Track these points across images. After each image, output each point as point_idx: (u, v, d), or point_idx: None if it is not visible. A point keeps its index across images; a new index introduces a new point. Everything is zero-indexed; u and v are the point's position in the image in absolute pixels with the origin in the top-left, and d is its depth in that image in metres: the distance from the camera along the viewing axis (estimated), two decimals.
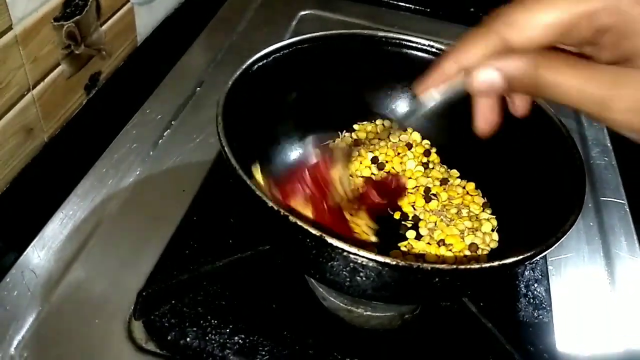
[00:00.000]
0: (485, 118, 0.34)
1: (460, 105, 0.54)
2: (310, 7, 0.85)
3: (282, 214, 0.35)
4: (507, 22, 0.30)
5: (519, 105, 0.34)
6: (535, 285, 0.51)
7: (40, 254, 0.48)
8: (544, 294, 0.50)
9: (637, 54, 0.28)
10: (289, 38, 0.50)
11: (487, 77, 0.30)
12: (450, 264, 0.34)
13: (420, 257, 0.47)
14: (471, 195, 0.51)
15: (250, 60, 0.47)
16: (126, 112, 0.62)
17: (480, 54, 0.30)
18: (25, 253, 0.47)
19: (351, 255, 0.34)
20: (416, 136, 0.56)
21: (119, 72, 0.64)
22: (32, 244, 0.48)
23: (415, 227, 0.50)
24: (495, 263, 0.34)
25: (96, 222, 0.51)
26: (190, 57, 0.72)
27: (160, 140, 0.60)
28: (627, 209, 0.61)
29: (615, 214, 0.60)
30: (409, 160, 0.54)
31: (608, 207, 0.61)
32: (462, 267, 0.34)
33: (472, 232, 0.48)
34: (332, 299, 0.46)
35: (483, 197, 0.52)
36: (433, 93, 0.33)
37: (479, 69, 0.30)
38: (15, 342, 0.42)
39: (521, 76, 0.29)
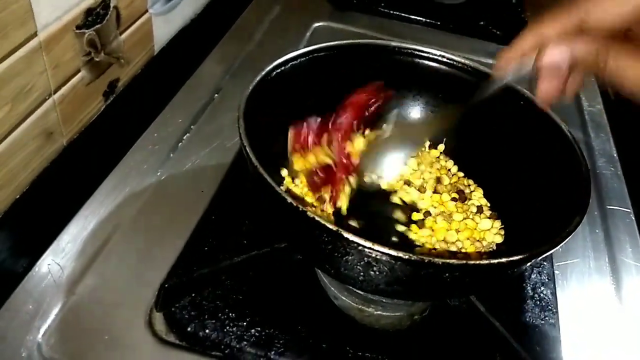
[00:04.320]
0: (546, 93, 0.37)
1: (469, 113, 0.56)
2: (324, 19, 0.88)
3: (300, 209, 0.36)
4: (590, 5, 0.34)
5: (570, 87, 0.37)
6: (542, 288, 0.52)
7: (65, 248, 0.50)
8: (550, 297, 0.52)
9: None
10: (304, 48, 0.52)
11: (558, 53, 0.34)
12: (460, 260, 0.35)
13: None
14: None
15: (269, 67, 0.49)
16: (142, 119, 0.64)
17: (557, 30, 0.34)
18: (50, 248, 0.50)
19: (366, 249, 0.35)
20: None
21: (136, 80, 0.66)
22: (57, 239, 0.50)
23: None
24: (504, 259, 0.36)
25: (119, 220, 0.53)
26: (209, 65, 0.75)
27: (180, 144, 0.62)
28: (633, 218, 0.62)
29: (621, 222, 0.62)
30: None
31: (614, 216, 0.62)
32: (472, 262, 0.35)
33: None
34: (344, 298, 0.47)
35: (491, 201, 0.53)
36: (509, 69, 0.38)
37: (553, 44, 0.34)
38: (42, 331, 0.43)
39: (591, 57, 0.33)
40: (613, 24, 0.33)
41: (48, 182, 0.54)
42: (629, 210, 0.63)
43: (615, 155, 0.71)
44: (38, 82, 0.50)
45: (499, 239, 0.49)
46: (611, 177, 0.68)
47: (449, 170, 0.56)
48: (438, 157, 0.57)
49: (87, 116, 0.59)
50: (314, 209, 0.49)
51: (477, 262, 0.36)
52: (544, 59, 0.34)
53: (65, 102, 0.54)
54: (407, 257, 0.35)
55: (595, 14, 0.33)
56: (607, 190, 0.66)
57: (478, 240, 0.49)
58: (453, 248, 0.48)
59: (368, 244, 0.35)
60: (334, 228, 0.35)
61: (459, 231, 0.50)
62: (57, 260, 0.48)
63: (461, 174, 0.56)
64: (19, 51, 0.46)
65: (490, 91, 0.42)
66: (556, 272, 0.55)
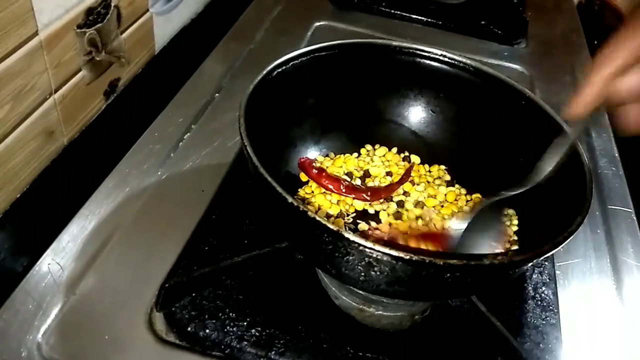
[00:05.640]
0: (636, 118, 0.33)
1: (466, 114, 0.56)
2: (325, 18, 0.88)
3: (301, 209, 0.36)
4: None
5: None
6: (544, 288, 0.52)
7: (66, 248, 0.50)
8: (551, 297, 0.51)
9: None
10: (305, 47, 0.52)
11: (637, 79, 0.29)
12: (461, 260, 0.35)
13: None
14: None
15: (271, 66, 0.49)
16: (143, 119, 0.64)
17: (631, 55, 0.29)
18: (51, 247, 0.50)
19: (367, 250, 0.35)
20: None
21: (137, 79, 0.66)
22: (57, 238, 0.50)
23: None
24: (505, 260, 0.36)
25: (119, 219, 0.53)
26: (210, 64, 0.75)
27: (180, 143, 0.62)
28: (634, 217, 0.62)
29: (622, 222, 0.62)
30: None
31: (615, 216, 0.62)
32: (473, 262, 0.35)
33: None
34: (344, 297, 0.47)
35: None
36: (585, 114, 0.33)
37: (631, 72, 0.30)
38: (42, 330, 0.43)
39: None
40: None
41: (48, 182, 0.54)
42: (630, 211, 0.63)
43: (616, 155, 0.71)
44: (39, 82, 0.50)
45: None
46: (613, 177, 0.67)
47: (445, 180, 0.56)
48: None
49: (88, 115, 0.59)
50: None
51: (478, 262, 0.36)
52: (623, 87, 0.31)
53: (66, 102, 0.54)
54: (408, 257, 0.35)
55: None
56: (609, 190, 0.65)
57: None
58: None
59: (369, 244, 0.35)
60: (335, 228, 0.35)
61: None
62: (57, 260, 0.48)
63: (464, 191, 0.56)
64: (20, 50, 0.46)
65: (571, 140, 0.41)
66: (557, 272, 0.55)
